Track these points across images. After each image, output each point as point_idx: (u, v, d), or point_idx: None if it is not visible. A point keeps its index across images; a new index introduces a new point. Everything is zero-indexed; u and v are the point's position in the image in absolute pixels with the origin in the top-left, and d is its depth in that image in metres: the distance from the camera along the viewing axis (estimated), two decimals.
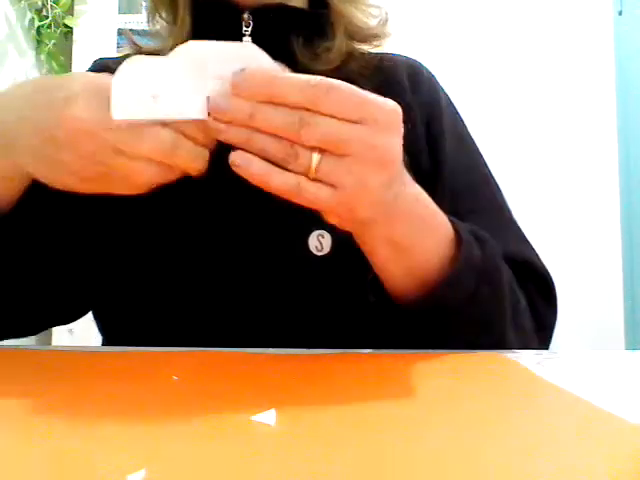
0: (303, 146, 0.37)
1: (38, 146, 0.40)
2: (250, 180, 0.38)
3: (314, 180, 0.37)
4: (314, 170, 0.36)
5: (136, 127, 0.38)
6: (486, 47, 1.84)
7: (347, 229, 0.43)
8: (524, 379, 0.38)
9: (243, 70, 0.37)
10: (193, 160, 0.40)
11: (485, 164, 0.64)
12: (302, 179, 0.37)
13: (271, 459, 0.25)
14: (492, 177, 0.64)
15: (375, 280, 0.48)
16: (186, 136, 0.40)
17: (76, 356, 0.44)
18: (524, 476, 0.23)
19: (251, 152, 0.37)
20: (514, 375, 0.39)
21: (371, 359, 0.43)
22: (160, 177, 0.40)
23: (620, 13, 1.89)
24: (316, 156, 0.36)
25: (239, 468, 0.24)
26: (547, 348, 0.55)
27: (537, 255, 0.59)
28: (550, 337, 0.56)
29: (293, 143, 0.37)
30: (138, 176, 0.40)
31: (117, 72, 0.38)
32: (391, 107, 0.38)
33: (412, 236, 0.44)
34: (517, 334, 0.50)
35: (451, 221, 0.47)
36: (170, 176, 0.40)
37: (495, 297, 0.48)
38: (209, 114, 0.38)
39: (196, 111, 0.38)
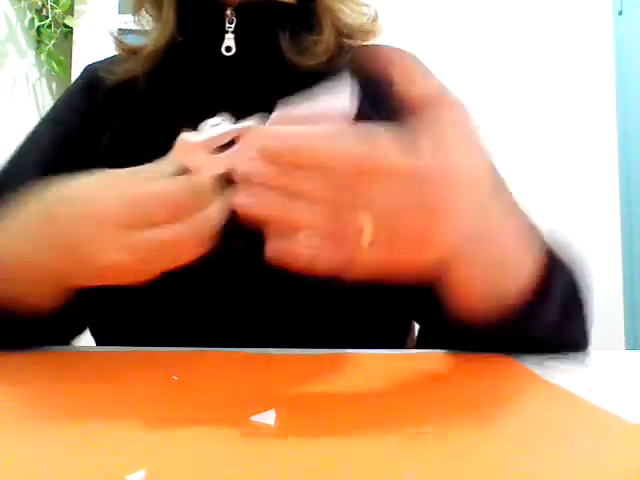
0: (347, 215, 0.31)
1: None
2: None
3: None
4: (368, 231, 0.31)
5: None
6: (485, 46, 1.85)
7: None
8: (524, 379, 0.38)
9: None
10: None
11: None
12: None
13: (271, 459, 0.24)
14: None
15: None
16: None
17: (76, 356, 0.44)
18: (524, 476, 0.23)
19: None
20: (514, 375, 0.39)
21: (371, 359, 0.43)
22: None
23: (620, 13, 1.89)
24: (368, 224, 0.30)
25: (239, 468, 0.24)
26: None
27: None
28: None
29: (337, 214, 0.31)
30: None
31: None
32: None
33: (506, 257, 0.39)
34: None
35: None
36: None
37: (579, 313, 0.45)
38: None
39: None
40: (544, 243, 0.43)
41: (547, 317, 0.42)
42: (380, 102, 0.61)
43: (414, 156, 0.31)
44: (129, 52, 0.64)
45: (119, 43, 0.65)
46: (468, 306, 0.41)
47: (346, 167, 0.30)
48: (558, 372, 0.39)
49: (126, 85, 0.62)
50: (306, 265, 0.32)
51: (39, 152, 0.62)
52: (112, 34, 0.66)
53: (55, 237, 0.39)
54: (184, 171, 0.37)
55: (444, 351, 0.45)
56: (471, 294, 0.40)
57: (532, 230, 0.42)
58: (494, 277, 0.39)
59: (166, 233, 0.36)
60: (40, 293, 0.43)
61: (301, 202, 0.31)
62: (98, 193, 0.39)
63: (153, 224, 0.36)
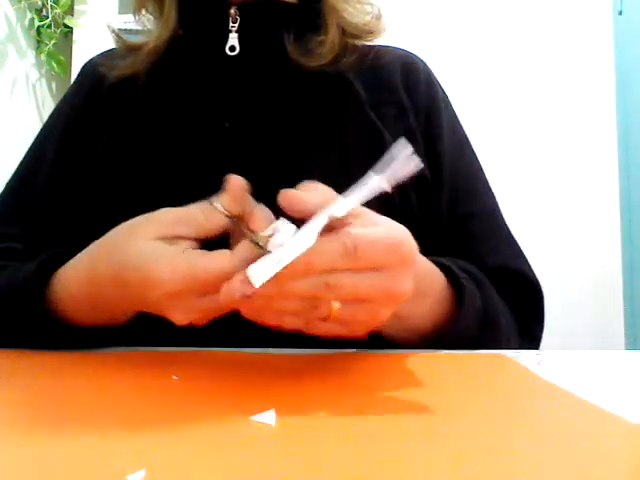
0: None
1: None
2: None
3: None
4: (333, 317, 0.36)
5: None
6: (485, 46, 1.85)
7: None
8: (524, 379, 0.38)
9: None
10: None
11: (481, 168, 0.64)
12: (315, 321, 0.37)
13: (271, 459, 0.24)
14: (487, 181, 0.63)
15: None
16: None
17: (76, 356, 0.44)
18: (524, 476, 0.23)
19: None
20: (514, 375, 0.39)
21: (371, 359, 0.43)
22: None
23: (620, 13, 1.88)
24: (336, 305, 0.36)
25: (239, 468, 0.24)
26: None
27: (529, 265, 0.59)
28: (537, 348, 0.58)
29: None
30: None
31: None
32: (406, 249, 0.37)
33: (408, 306, 0.44)
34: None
35: (448, 268, 0.48)
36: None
37: (494, 338, 0.51)
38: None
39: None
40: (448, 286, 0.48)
41: (465, 333, 0.48)
42: (382, 104, 0.60)
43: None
44: (129, 49, 0.63)
45: (119, 39, 0.65)
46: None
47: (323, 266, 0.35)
48: (558, 372, 0.39)
49: (127, 82, 0.61)
50: (277, 326, 0.37)
51: (45, 157, 0.62)
52: (112, 30, 0.65)
53: (125, 299, 0.43)
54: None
55: (444, 351, 0.45)
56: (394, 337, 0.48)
57: (434, 279, 0.48)
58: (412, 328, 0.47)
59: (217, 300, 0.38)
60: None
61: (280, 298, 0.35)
62: (156, 264, 0.39)
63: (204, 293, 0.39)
